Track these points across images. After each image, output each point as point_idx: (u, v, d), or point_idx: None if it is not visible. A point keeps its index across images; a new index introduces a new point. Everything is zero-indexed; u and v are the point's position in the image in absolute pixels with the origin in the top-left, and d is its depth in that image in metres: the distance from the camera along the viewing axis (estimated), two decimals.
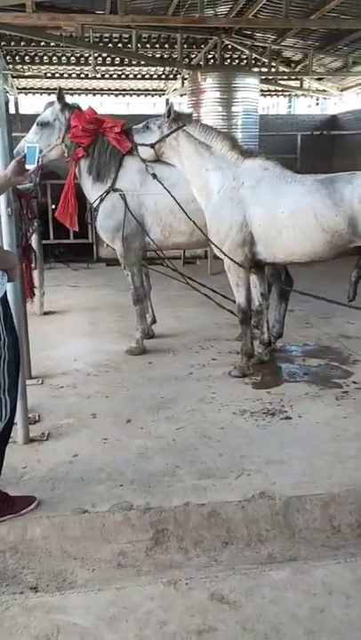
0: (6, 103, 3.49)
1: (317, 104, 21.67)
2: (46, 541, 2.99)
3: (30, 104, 20.35)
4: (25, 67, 12.82)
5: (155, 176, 5.28)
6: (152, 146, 5.01)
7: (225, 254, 4.86)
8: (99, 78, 13.88)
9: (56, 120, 5.47)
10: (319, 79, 14.11)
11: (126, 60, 12.53)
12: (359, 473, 3.44)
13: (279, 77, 13.35)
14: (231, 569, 2.77)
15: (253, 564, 2.84)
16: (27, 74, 13.38)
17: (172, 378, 5.05)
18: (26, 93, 15.21)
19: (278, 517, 3.11)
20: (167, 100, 15.31)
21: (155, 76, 14.25)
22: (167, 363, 5.47)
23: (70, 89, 15.13)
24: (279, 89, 14.86)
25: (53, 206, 9.29)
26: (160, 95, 15.68)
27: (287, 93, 16.12)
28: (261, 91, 12.67)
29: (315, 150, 13.41)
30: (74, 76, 13.78)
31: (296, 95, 16.44)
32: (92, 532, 3.02)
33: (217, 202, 4.85)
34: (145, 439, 3.92)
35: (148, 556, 2.93)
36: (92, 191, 5.60)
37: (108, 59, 12.57)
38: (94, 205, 5.61)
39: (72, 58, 12.53)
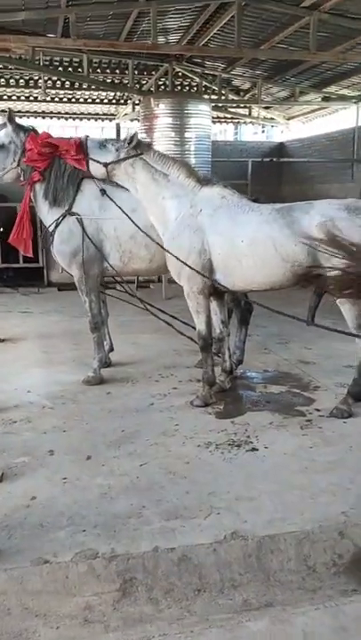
0: None
1: (263, 131, 22.14)
2: (4, 597, 2.74)
3: None
4: None
5: (104, 192, 5.16)
6: (105, 165, 4.91)
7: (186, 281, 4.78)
8: (48, 101, 13.72)
9: (11, 143, 5.27)
10: (267, 108, 14.43)
11: (77, 83, 12.45)
12: (331, 508, 3.34)
13: (229, 105, 13.56)
14: (206, 620, 2.61)
15: (229, 612, 2.68)
16: None
17: (132, 409, 4.87)
18: None
19: (252, 559, 2.97)
20: (117, 124, 15.29)
21: (105, 101, 14.22)
22: (126, 393, 5.29)
23: (19, 111, 14.88)
24: (228, 116, 15.11)
25: (1, 229, 9.03)
26: (110, 120, 15.63)
27: (236, 121, 16.38)
28: (211, 117, 12.84)
29: (264, 176, 13.65)
30: (22, 98, 13.58)
31: (245, 122, 16.72)
32: (55, 585, 2.79)
33: (174, 229, 4.76)
34: (107, 477, 3.71)
35: (115, 610, 2.72)
36: (47, 216, 5.41)
37: (59, 82, 12.45)
38: (50, 230, 5.42)
39: (21, 80, 12.35)
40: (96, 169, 5.00)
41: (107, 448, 4.15)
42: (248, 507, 3.35)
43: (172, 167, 4.82)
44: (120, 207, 5.10)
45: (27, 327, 7.82)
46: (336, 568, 2.99)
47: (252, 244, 4.50)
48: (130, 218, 5.02)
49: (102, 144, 4.99)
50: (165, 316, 5.67)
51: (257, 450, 4.10)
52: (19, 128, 5.31)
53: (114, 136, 15.46)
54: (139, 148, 4.84)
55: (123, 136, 4.99)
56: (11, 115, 5.39)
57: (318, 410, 4.82)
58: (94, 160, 4.98)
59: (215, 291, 4.87)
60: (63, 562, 2.88)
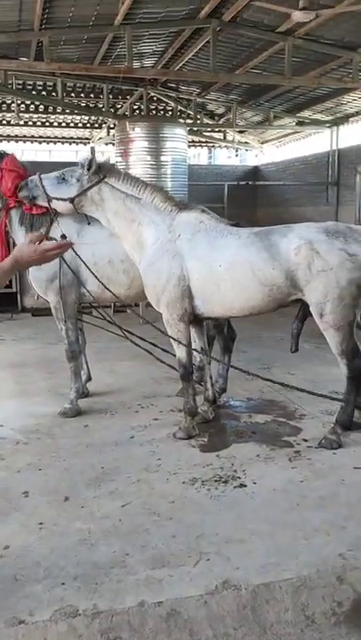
0: None
1: (237, 155, 22.34)
2: None
3: None
4: None
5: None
6: (70, 200, 4.66)
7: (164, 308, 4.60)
8: (22, 125, 13.57)
9: None
10: (241, 132, 14.52)
11: (51, 107, 12.34)
12: (327, 549, 3.14)
13: (203, 129, 13.60)
14: None
15: None
16: None
17: (111, 443, 4.62)
18: None
19: (246, 611, 2.74)
20: (92, 148, 15.17)
21: (79, 125, 14.13)
22: (105, 425, 5.05)
23: None
24: (203, 140, 15.15)
25: None
26: (85, 144, 15.54)
27: (210, 144, 16.45)
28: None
29: (239, 200, 13.67)
30: None
31: (220, 147, 16.81)
32: None
33: (152, 255, 4.58)
34: (87, 521, 3.46)
35: None
36: (24, 241, 5.19)
37: (32, 106, 12.33)
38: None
39: None
40: (62, 206, 4.74)
41: (86, 487, 3.89)
42: (239, 550, 3.13)
43: (143, 191, 4.63)
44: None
45: None
46: (336, 617, 2.78)
47: (230, 268, 4.36)
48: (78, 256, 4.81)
49: (60, 178, 4.70)
50: (144, 342, 5.46)
51: (245, 486, 3.89)
52: None
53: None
54: (100, 171, 4.62)
55: (81, 159, 4.68)
56: None
57: (306, 440, 4.64)
58: (57, 198, 4.70)
59: (195, 318, 4.69)
60: (40, 621, 2.61)
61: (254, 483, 3.93)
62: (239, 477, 4.01)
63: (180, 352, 4.70)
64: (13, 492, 3.82)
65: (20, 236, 5.24)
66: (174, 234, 4.56)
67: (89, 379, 5.90)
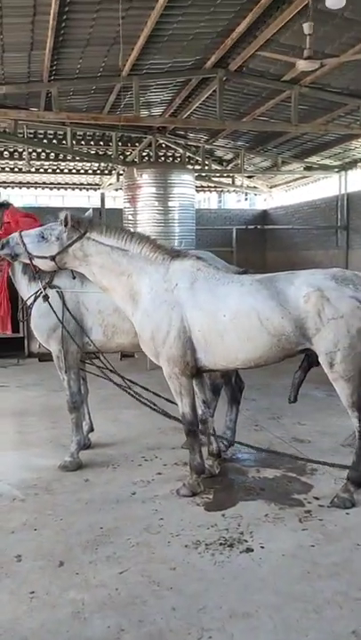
0: None
1: (246, 199, 22.58)
2: None
3: None
4: None
5: (46, 298, 4.79)
6: (52, 258, 4.50)
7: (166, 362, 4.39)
8: (33, 172, 13.80)
9: None
10: (250, 177, 14.65)
11: (61, 155, 12.55)
12: (339, 625, 2.88)
13: (212, 174, 13.74)
14: None
15: None
16: None
17: (112, 500, 4.40)
18: None
19: None
20: (102, 194, 15.39)
21: (90, 171, 14.36)
22: (106, 480, 4.83)
23: (4, 182, 14.98)
24: (212, 185, 15.30)
25: None
26: (95, 189, 15.76)
27: (219, 189, 16.61)
28: (195, 186, 12.98)
29: (248, 243, 13.70)
30: (7, 169, 13.65)
31: (228, 191, 16.98)
32: None
33: (148, 306, 4.37)
34: (81, 590, 3.22)
35: None
36: (27, 290, 5.11)
37: (43, 153, 12.55)
38: (28, 303, 5.11)
39: (5, 152, 12.42)
40: (44, 264, 4.62)
41: (82, 550, 3.66)
42: (244, 627, 2.88)
43: (129, 241, 4.46)
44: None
45: (1, 403, 7.38)
46: None
47: (235, 317, 4.17)
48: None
49: (40, 236, 4.57)
50: (148, 392, 5.28)
51: (252, 550, 3.64)
52: None
53: (99, 205, 15.58)
54: (80, 227, 4.48)
55: (60, 216, 4.56)
56: None
57: (317, 498, 4.38)
58: (38, 256, 4.56)
59: (198, 371, 4.51)
60: None
61: (262, 547, 3.68)
62: (246, 540, 3.76)
63: (184, 407, 4.49)
64: (6, 556, 3.60)
65: (23, 285, 5.16)
66: (170, 283, 4.36)
67: (91, 429, 5.71)
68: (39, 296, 5.00)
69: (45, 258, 4.53)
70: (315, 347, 4.13)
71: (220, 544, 3.72)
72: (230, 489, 4.64)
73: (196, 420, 4.55)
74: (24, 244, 4.58)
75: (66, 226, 4.44)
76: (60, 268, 4.62)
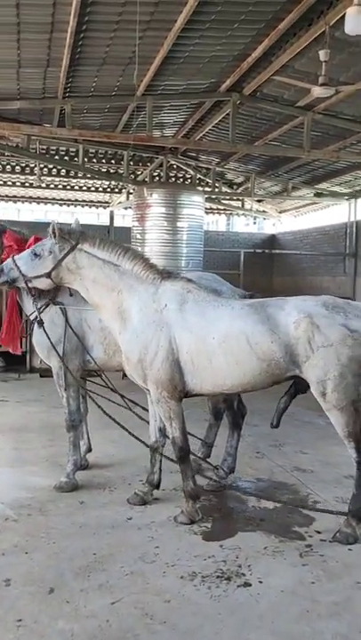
0: None
1: (255, 223, 22.62)
2: None
3: None
4: None
5: (40, 324, 4.70)
6: (48, 275, 4.40)
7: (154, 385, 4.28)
8: (44, 188, 13.86)
9: None
10: (259, 201, 14.67)
11: (72, 171, 12.61)
12: None
13: (222, 197, 13.76)
14: None
15: None
16: None
17: (107, 525, 4.27)
18: None
19: None
20: (111, 212, 15.42)
21: (100, 189, 14.41)
22: (102, 503, 4.70)
23: (15, 196, 15.05)
24: (221, 207, 15.33)
25: None
26: (105, 207, 15.81)
27: (228, 212, 16.65)
28: (204, 208, 12.99)
29: (255, 267, 13.66)
30: (18, 184, 13.71)
31: (237, 214, 17.00)
32: None
33: (136, 326, 4.28)
34: (71, 620, 3.09)
35: None
36: (31, 307, 5.04)
37: (54, 170, 12.61)
38: (31, 318, 5.04)
39: (17, 167, 12.48)
40: (41, 284, 4.51)
41: (74, 577, 3.53)
42: None
43: (122, 257, 4.37)
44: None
45: (0, 417, 7.27)
46: None
47: (224, 341, 4.08)
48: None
49: (33, 254, 4.46)
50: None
51: (250, 585, 3.49)
52: None
53: (107, 223, 15.61)
54: (70, 237, 4.39)
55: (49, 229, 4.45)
56: None
57: (319, 532, 4.23)
58: (35, 277, 4.44)
59: (186, 394, 4.37)
60: None
61: (260, 582, 3.54)
62: (244, 574, 3.62)
63: (174, 431, 4.36)
64: None
65: (28, 305, 5.08)
66: (160, 303, 4.27)
67: (89, 450, 5.59)
68: (42, 311, 4.93)
69: (41, 276, 4.43)
70: (305, 374, 4.05)
71: (218, 577, 3.58)
72: (229, 518, 4.51)
73: (187, 445, 4.43)
74: (18, 268, 4.50)
75: (55, 237, 4.36)
76: (58, 284, 4.54)
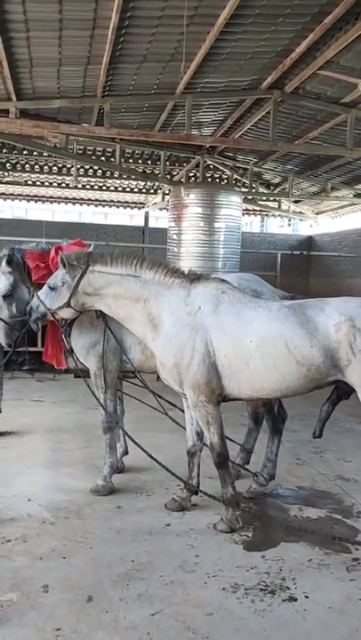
0: None
1: (289, 225, 22.31)
2: None
3: (10, 207, 20.48)
4: (5, 173, 12.75)
5: (71, 351, 4.76)
6: (68, 304, 4.38)
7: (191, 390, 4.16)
8: (79, 188, 13.88)
9: (11, 273, 4.88)
10: (296, 201, 14.41)
11: (108, 172, 12.58)
12: None
13: (258, 198, 13.55)
14: None
15: None
16: (5, 180, 13.30)
17: (145, 531, 4.16)
18: (4, 199, 15.11)
19: None
20: (146, 212, 15.38)
21: (135, 190, 14.35)
22: (139, 508, 4.60)
23: (51, 197, 15.13)
24: (257, 208, 15.12)
25: None
26: (140, 208, 15.77)
27: (265, 213, 16.42)
28: None
29: (292, 269, 13.42)
30: (55, 185, 13.77)
31: (273, 215, 16.76)
32: None
33: (169, 331, 4.17)
34: (110, 631, 2.99)
35: None
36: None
37: (91, 170, 12.60)
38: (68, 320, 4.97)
39: (54, 167, 12.52)
40: (66, 313, 4.49)
41: (112, 585, 3.43)
42: None
43: (140, 268, 4.30)
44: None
45: (36, 418, 7.25)
46: None
47: (261, 344, 3.94)
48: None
49: (49, 288, 4.47)
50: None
51: (295, 600, 3.34)
52: (10, 257, 4.88)
53: (142, 224, 15.57)
54: (79, 262, 4.35)
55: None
56: (9, 256, 4.90)
57: None
58: (58, 308, 4.43)
59: (224, 399, 4.23)
60: None
61: (306, 596, 3.38)
62: (288, 588, 3.47)
63: (212, 436, 4.23)
64: (32, 585, 3.39)
65: None
66: (193, 306, 4.15)
67: (125, 452, 5.50)
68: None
69: (62, 307, 4.41)
70: (348, 379, 3.86)
71: (261, 589, 3.44)
72: (270, 528, 4.36)
73: (226, 451, 4.29)
74: (43, 303, 4.49)
75: (65, 267, 4.33)
76: (81, 310, 4.51)
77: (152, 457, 4.62)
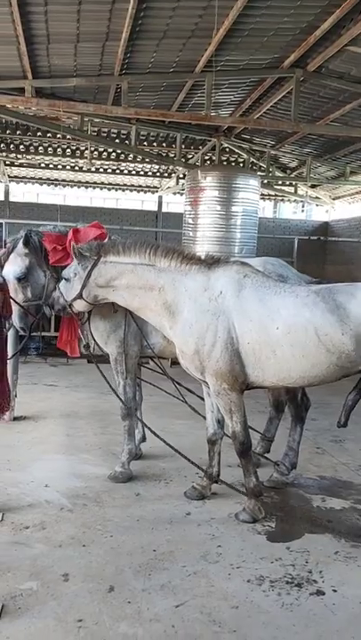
0: None
1: (303, 211, 21.99)
2: None
3: (22, 192, 20.30)
4: (19, 155, 12.59)
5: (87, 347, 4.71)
6: (80, 296, 4.27)
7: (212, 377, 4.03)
8: (93, 172, 13.70)
9: (27, 255, 4.75)
10: (314, 186, 14.15)
11: (122, 155, 12.39)
12: None
13: (274, 182, 13.31)
14: None
15: None
16: (19, 162, 13.14)
17: (165, 520, 4.07)
18: (17, 182, 14.96)
19: None
20: (160, 197, 15.18)
21: (149, 174, 14.15)
22: (159, 496, 4.50)
23: (63, 180, 14.96)
24: (272, 193, 14.87)
25: None
26: (153, 192, 15.57)
27: (280, 197, 16.16)
28: None
29: (307, 255, 13.19)
30: (68, 168, 13.60)
31: (289, 200, 16.50)
32: None
33: (188, 317, 4.03)
34: (134, 623, 2.89)
35: None
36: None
37: (105, 153, 12.41)
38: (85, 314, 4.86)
39: (67, 150, 12.34)
40: (79, 306, 4.38)
41: (134, 575, 3.34)
42: None
43: (154, 255, 4.14)
44: None
45: (51, 403, 7.17)
46: None
47: (289, 331, 3.79)
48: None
49: (64, 279, 4.39)
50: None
51: (323, 593, 3.23)
52: (27, 238, 4.74)
53: (153, 209, 15.38)
54: (91, 253, 4.21)
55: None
56: (26, 237, 4.76)
57: None
58: (72, 300, 4.33)
59: (248, 387, 4.10)
60: None
61: (334, 590, 3.27)
62: (315, 581, 3.36)
63: (235, 425, 4.11)
64: (52, 574, 3.31)
65: None
66: (213, 291, 4.00)
67: (143, 439, 5.40)
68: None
69: (75, 299, 4.31)
70: None
71: (287, 582, 3.33)
72: (294, 518, 4.24)
73: (249, 440, 4.17)
74: (63, 295, 4.40)
75: (77, 257, 4.22)
76: (94, 303, 4.39)
77: (171, 446, 4.53)
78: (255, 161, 12.35)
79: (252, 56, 7.18)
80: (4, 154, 12.37)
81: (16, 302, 4.77)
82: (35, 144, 12.14)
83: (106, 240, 4.73)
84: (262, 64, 7.49)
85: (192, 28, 6.26)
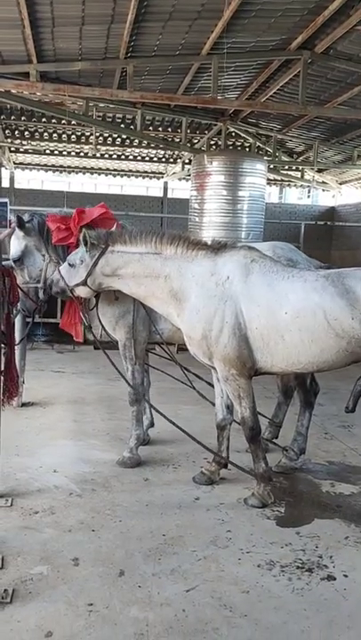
0: None
1: (308, 196, 21.81)
2: None
3: (26, 179, 20.21)
4: (24, 142, 12.51)
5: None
6: (84, 283, 4.23)
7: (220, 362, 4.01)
8: (98, 157, 13.60)
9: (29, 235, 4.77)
10: (320, 171, 14.01)
11: (127, 141, 12.29)
12: None
13: (281, 166, 13.19)
14: None
15: None
16: (24, 149, 13.06)
17: (174, 505, 4.07)
18: (22, 169, 14.88)
19: None
20: (165, 183, 15.08)
21: (155, 159, 14.04)
22: (167, 481, 4.50)
23: (68, 166, 14.87)
24: (278, 178, 14.74)
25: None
26: (158, 178, 15.47)
27: (286, 182, 16.03)
28: None
29: (313, 240, 13.12)
30: (73, 154, 13.51)
31: (295, 185, 16.36)
32: None
33: (195, 303, 3.99)
34: (144, 607, 2.89)
35: None
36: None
37: (110, 139, 12.32)
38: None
39: (72, 136, 12.25)
40: (81, 292, 4.35)
41: (144, 560, 3.34)
42: None
43: (160, 244, 4.10)
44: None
45: (58, 389, 7.17)
46: None
47: (298, 316, 3.76)
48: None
49: (68, 264, 4.34)
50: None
51: (334, 578, 3.23)
52: (31, 221, 4.77)
53: (158, 196, 15.29)
54: (99, 242, 4.17)
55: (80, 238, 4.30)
56: (19, 220, 4.77)
57: None
58: (75, 285, 4.30)
59: (256, 372, 4.07)
60: None
61: (345, 575, 3.27)
62: (326, 566, 3.35)
63: (244, 411, 4.09)
64: (62, 558, 3.31)
65: None
66: (220, 276, 3.96)
67: (151, 424, 5.40)
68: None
69: (79, 285, 4.27)
70: None
71: (298, 567, 3.33)
72: (303, 503, 4.23)
73: (258, 425, 4.15)
74: (63, 278, 4.36)
75: (86, 245, 4.16)
76: (97, 290, 4.35)
77: (184, 430, 4.52)
78: (261, 145, 12.23)
79: (260, 38, 7.07)
80: (9, 140, 12.29)
81: (18, 286, 4.76)
82: (40, 130, 12.05)
83: (112, 222, 4.71)
84: (269, 46, 7.39)
85: (198, 9, 6.17)
